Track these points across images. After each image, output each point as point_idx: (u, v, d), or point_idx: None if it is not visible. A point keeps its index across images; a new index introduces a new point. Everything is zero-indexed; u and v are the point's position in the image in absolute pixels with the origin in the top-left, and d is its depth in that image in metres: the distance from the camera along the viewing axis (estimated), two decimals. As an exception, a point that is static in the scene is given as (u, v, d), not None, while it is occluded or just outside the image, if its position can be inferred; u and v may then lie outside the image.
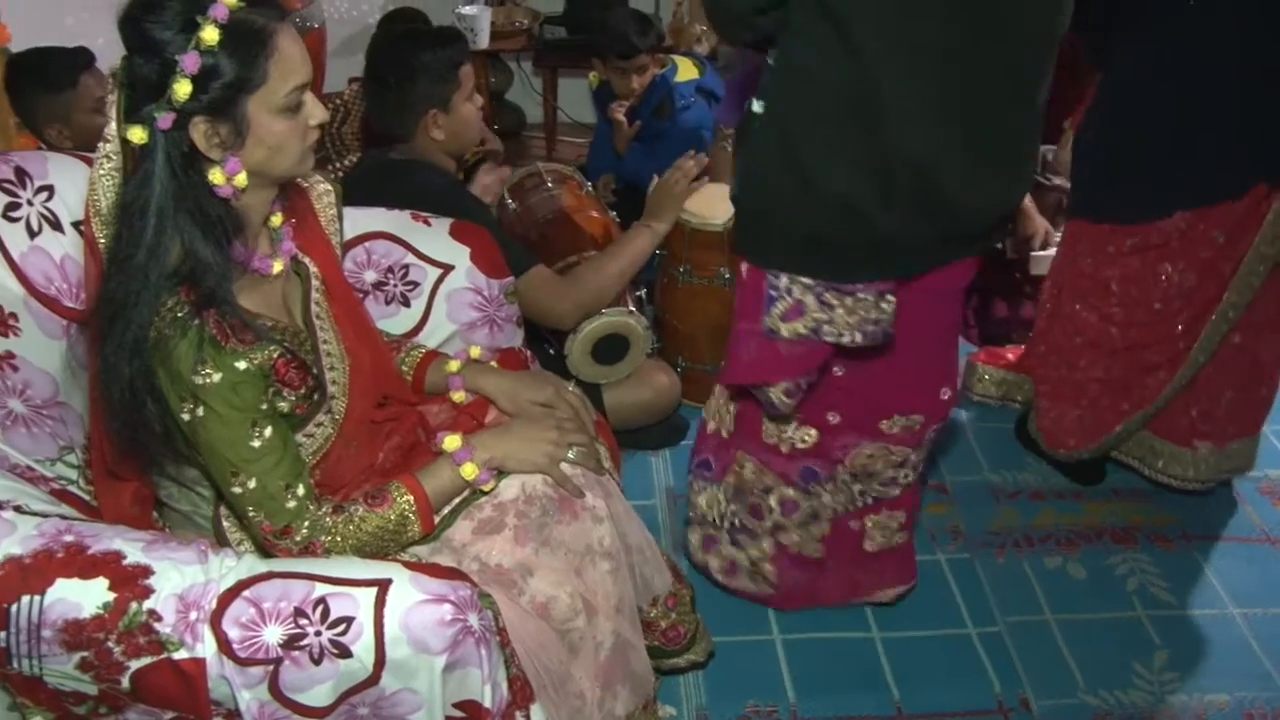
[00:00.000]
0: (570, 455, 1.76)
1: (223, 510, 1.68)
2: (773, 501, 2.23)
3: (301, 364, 1.57)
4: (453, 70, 2.43)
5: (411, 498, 1.63)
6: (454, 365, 1.92)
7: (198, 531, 1.69)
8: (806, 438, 2.15)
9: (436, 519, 1.67)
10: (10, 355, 1.67)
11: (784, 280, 1.90)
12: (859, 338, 1.91)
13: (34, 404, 1.69)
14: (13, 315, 1.68)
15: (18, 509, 1.40)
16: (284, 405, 1.57)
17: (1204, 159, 2.32)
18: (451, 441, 1.70)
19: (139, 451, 1.54)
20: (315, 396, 1.62)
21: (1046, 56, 1.82)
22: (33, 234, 1.74)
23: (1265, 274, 2.44)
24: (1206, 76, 2.26)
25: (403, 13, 3.79)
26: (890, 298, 1.90)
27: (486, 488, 1.70)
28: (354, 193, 2.00)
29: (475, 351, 1.99)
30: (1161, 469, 2.72)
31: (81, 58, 2.62)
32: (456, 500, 1.70)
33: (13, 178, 1.75)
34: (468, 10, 4.13)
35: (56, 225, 1.78)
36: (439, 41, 2.45)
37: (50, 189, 1.79)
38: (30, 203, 1.76)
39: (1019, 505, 2.76)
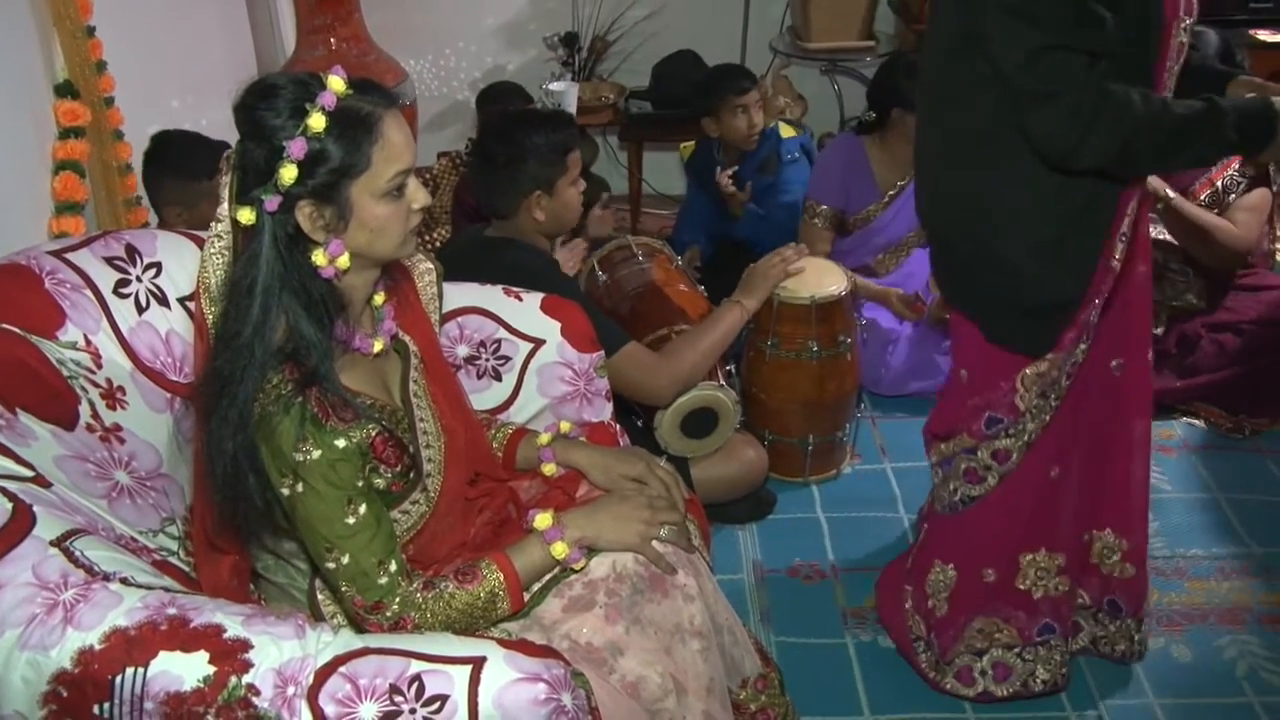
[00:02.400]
0: (662, 533, 1.75)
1: (318, 584, 1.69)
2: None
3: (399, 442, 1.59)
4: (561, 155, 2.46)
5: (501, 575, 1.62)
6: (545, 438, 1.93)
7: (293, 604, 1.71)
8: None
9: (526, 596, 1.67)
10: (118, 428, 1.71)
11: None
12: None
13: (138, 475, 1.73)
14: (121, 389, 1.73)
15: (124, 581, 1.42)
16: (380, 482, 1.59)
17: None
18: (542, 520, 1.70)
19: (239, 524, 1.57)
20: (411, 475, 1.64)
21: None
22: (141, 309, 1.80)
23: None
24: None
25: (503, 86, 3.85)
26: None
27: (577, 566, 1.69)
28: (448, 267, 2.03)
29: (565, 426, 1.99)
30: None
31: (223, 154, 2.64)
32: (547, 577, 1.69)
33: (124, 255, 1.82)
34: (555, 87, 4.21)
35: (163, 301, 1.83)
36: (552, 125, 2.48)
37: (158, 266, 1.85)
38: (139, 279, 1.82)
39: (1117, 584, 2.68)
